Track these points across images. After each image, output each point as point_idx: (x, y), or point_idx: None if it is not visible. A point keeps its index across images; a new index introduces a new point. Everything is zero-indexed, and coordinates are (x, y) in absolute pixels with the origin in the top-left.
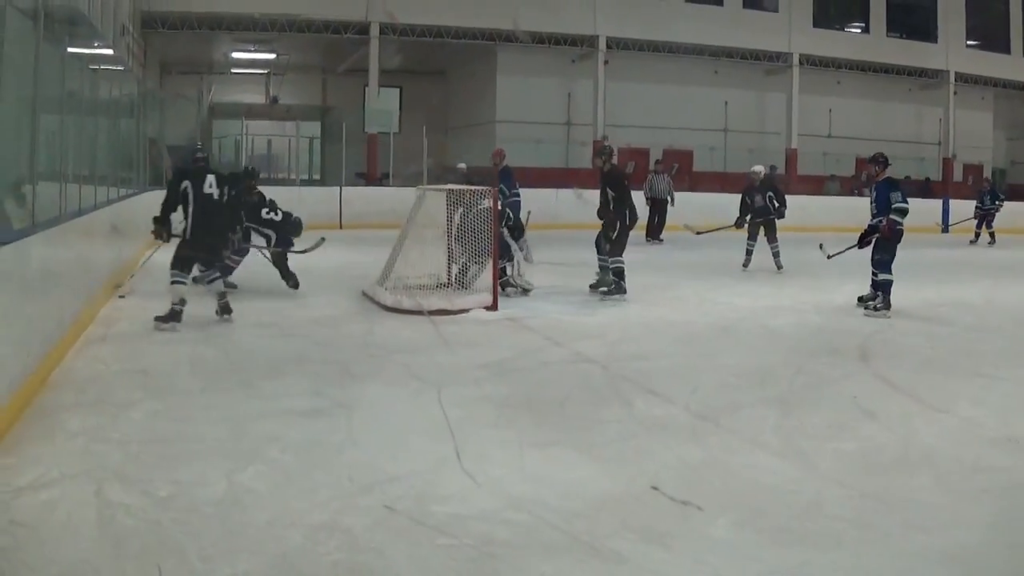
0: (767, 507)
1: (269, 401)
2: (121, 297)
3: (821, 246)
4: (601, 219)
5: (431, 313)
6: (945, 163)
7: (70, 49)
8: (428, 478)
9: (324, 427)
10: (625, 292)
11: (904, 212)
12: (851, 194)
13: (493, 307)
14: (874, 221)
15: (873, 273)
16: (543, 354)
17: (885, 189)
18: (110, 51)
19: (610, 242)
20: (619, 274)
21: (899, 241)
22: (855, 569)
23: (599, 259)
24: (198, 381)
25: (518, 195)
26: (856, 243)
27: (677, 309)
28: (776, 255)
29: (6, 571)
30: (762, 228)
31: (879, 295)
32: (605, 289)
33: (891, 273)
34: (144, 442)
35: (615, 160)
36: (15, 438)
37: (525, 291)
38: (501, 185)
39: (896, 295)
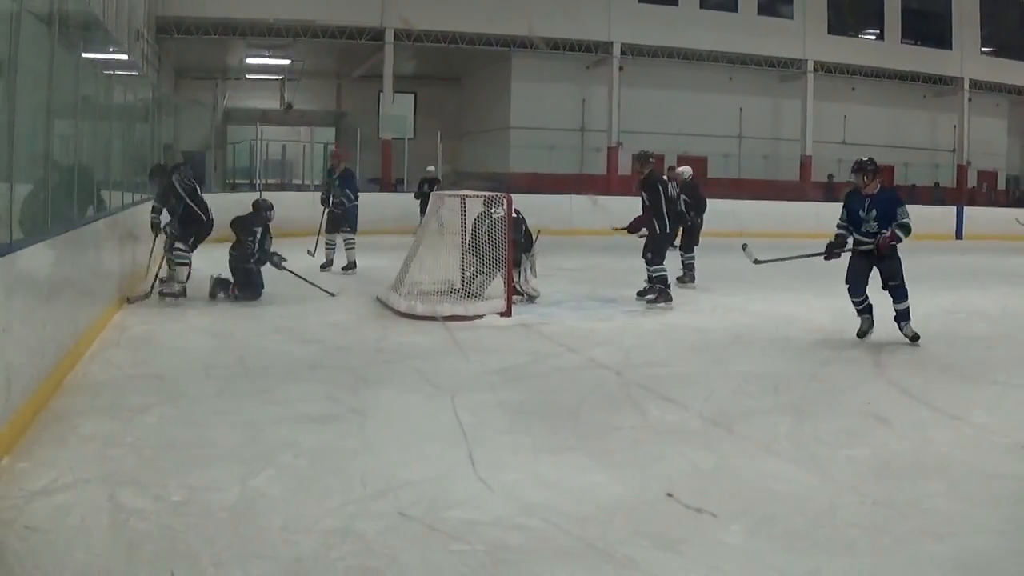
0: (780, 514)
1: (283, 406)
2: (129, 302)
3: (745, 247)
4: (634, 227)
5: (445, 319)
6: (959, 170)
7: (85, 54)
8: (441, 484)
9: (338, 432)
10: (671, 300)
11: (910, 230)
12: None
13: (507, 313)
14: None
15: (894, 299)
16: (557, 360)
17: (891, 202)
18: (125, 56)
19: (650, 250)
20: (662, 281)
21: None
22: (868, 575)
23: (650, 270)
24: (212, 386)
25: (357, 201)
26: (823, 252)
27: (691, 315)
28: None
29: None
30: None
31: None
32: (651, 297)
33: (907, 298)
34: (158, 447)
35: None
36: (29, 442)
37: (531, 298)
38: (346, 189)
39: (912, 302)
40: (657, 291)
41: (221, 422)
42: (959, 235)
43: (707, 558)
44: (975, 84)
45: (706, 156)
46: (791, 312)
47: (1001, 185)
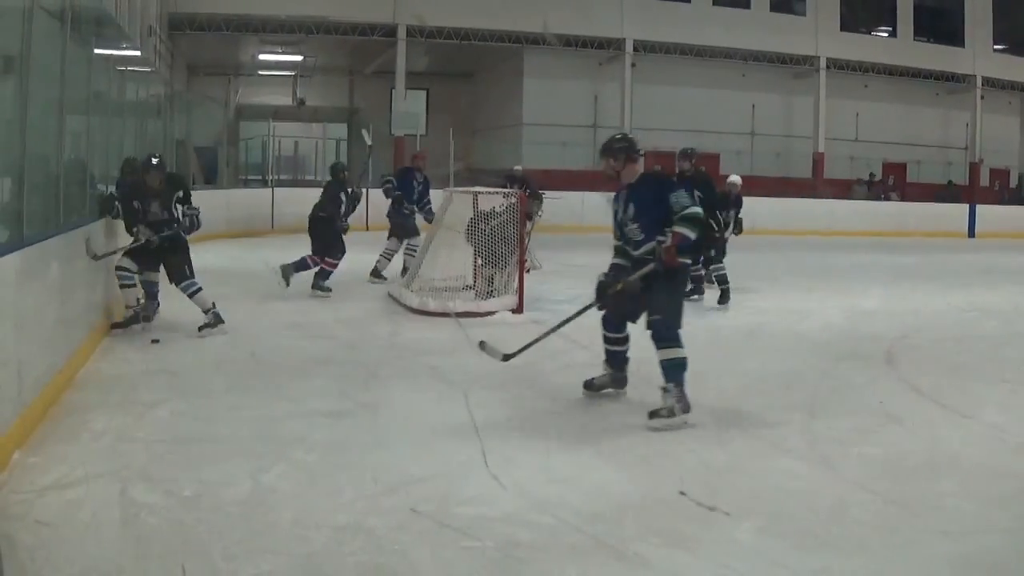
0: (792, 512)
1: (295, 402)
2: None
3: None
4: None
5: (457, 315)
6: (972, 168)
7: (97, 50)
8: (453, 480)
9: (349, 428)
10: (729, 300)
11: (697, 223)
12: (878, 198)
13: (519, 310)
14: (640, 252)
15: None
16: (569, 357)
17: (654, 189)
18: (137, 52)
19: (714, 249)
20: (725, 280)
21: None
22: (879, 574)
23: (714, 269)
24: (224, 381)
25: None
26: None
27: (703, 313)
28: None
29: (30, 570)
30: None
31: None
32: (723, 302)
33: (680, 345)
34: (169, 442)
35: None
36: (40, 437)
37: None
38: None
39: (924, 300)
40: (723, 290)
41: (233, 417)
42: (971, 233)
43: (718, 556)
44: (988, 82)
45: (719, 153)
46: (803, 310)
47: (1013, 183)
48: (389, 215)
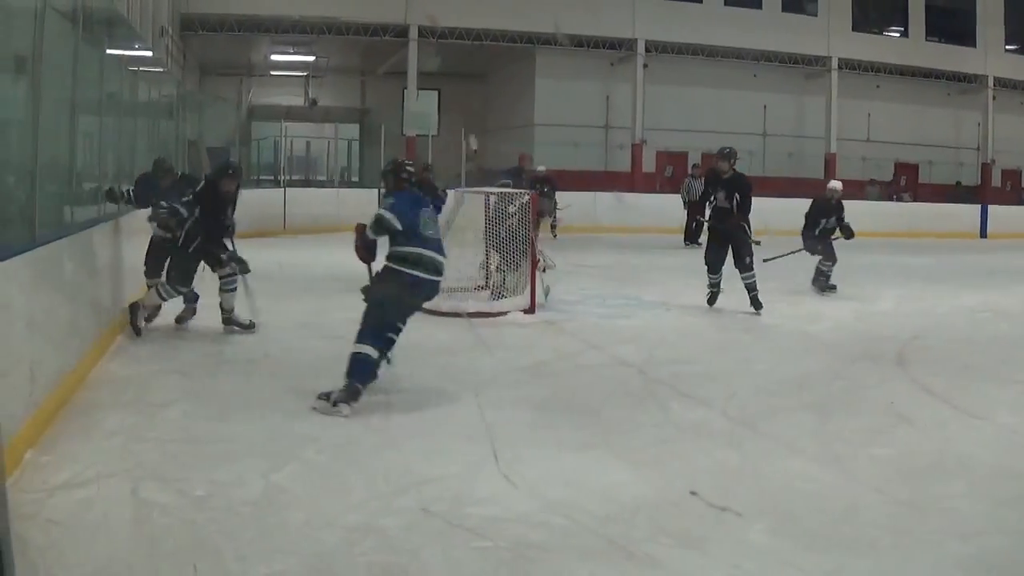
0: (803, 512)
1: (306, 402)
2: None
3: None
4: (714, 225)
5: (469, 316)
6: (983, 168)
7: (109, 51)
8: (464, 480)
9: (360, 428)
10: (762, 306)
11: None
12: (890, 198)
13: (531, 310)
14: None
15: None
16: (581, 357)
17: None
18: (149, 53)
19: (749, 255)
20: (754, 287)
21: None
22: (890, 575)
23: (745, 277)
24: (236, 381)
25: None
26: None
27: (715, 313)
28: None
29: (41, 569)
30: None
31: None
32: (755, 309)
33: (371, 345)
34: (181, 441)
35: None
36: (52, 436)
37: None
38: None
39: (936, 301)
40: (752, 297)
41: (244, 417)
42: (983, 234)
43: (730, 557)
44: (999, 82)
45: None
46: (815, 311)
47: None
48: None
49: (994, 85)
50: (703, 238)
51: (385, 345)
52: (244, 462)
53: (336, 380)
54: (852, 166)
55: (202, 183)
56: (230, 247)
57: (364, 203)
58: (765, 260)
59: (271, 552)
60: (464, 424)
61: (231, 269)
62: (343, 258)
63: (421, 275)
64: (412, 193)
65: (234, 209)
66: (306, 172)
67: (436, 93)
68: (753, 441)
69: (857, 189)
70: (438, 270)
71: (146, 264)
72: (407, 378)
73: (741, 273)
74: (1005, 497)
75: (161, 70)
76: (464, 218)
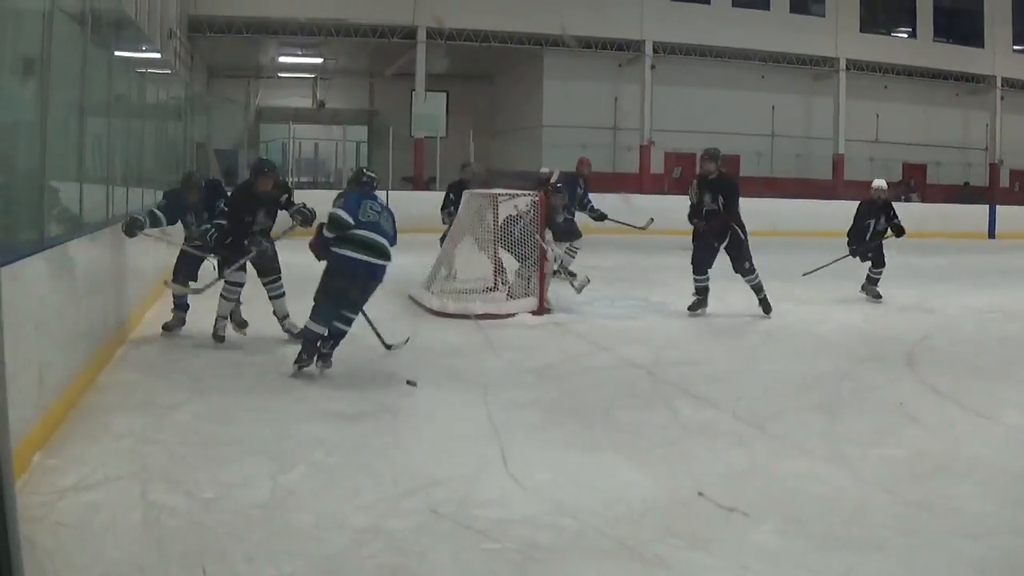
0: (812, 513)
1: (314, 403)
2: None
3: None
4: (698, 228)
5: (477, 317)
6: (992, 169)
7: (117, 53)
8: (473, 482)
9: (369, 430)
10: (771, 309)
11: (335, 223)
12: (898, 199)
13: (539, 311)
14: None
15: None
16: (589, 359)
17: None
18: (157, 55)
19: (747, 259)
20: (761, 289)
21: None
22: (899, 575)
23: (749, 280)
24: (244, 383)
25: None
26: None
27: (724, 314)
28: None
29: (50, 571)
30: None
31: None
32: (765, 309)
33: (316, 323)
34: (189, 444)
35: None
36: (61, 439)
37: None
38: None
39: (945, 301)
40: (761, 299)
41: (253, 419)
42: (991, 234)
43: (738, 558)
44: (1008, 82)
45: (739, 155)
46: (823, 311)
47: None
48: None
49: (1002, 85)
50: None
51: (327, 322)
52: (252, 464)
53: (343, 381)
54: (860, 167)
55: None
56: (270, 250)
57: None
58: (805, 274)
59: (279, 554)
60: (472, 426)
61: (273, 276)
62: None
63: (349, 253)
64: (363, 192)
65: (277, 210)
66: (314, 174)
67: (444, 95)
68: (761, 442)
69: (865, 190)
70: (371, 248)
71: (178, 272)
72: (415, 379)
73: (744, 277)
74: (1015, 497)
75: (169, 72)
76: (473, 220)
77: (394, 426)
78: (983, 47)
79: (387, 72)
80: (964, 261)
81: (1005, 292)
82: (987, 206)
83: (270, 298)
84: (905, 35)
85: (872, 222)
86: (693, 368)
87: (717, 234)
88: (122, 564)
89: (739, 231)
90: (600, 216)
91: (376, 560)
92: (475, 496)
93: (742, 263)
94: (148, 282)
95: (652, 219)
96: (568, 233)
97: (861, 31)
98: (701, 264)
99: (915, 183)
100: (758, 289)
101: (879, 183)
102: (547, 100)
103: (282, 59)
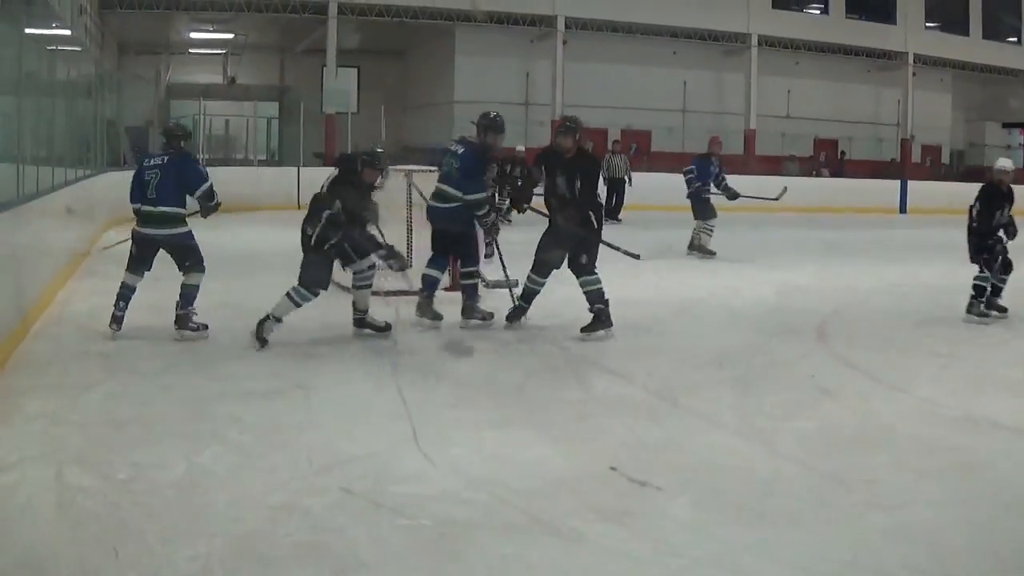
0: (726, 486)
1: (228, 382)
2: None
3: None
4: (556, 215)
5: (387, 294)
6: (903, 144)
7: (28, 30)
8: (386, 459)
9: (283, 408)
10: (611, 324)
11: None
12: (809, 174)
13: (452, 288)
14: None
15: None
16: (501, 335)
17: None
18: (68, 32)
19: (586, 254)
20: (601, 298)
21: None
22: (814, 547)
23: (585, 281)
24: (157, 363)
25: None
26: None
27: (635, 290)
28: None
29: None
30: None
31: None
32: (595, 328)
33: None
34: (103, 424)
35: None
36: None
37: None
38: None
39: (856, 275)
40: (597, 312)
41: (166, 399)
42: (903, 209)
43: (654, 531)
44: (919, 59)
45: (650, 130)
46: (735, 286)
47: (945, 159)
48: (690, 197)
49: (914, 62)
50: (623, 215)
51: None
52: (167, 444)
53: (255, 359)
54: (771, 142)
55: (335, 174)
56: (380, 239)
57: (283, 181)
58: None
59: (195, 534)
60: (385, 403)
61: (369, 264)
62: (262, 237)
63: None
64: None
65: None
66: (225, 151)
67: (356, 71)
68: (675, 416)
69: (776, 165)
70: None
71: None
72: (327, 357)
73: (578, 277)
74: (927, 468)
75: (79, 49)
76: (383, 196)
77: (307, 404)
78: (895, 24)
79: (298, 48)
80: (876, 235)
81: (916, 266)
82: (899, 181)
83: (355, 287)
84: (817, 11)
85: (998, 213)
86: (606, 343)
87: (577, 226)
88: (38, 546)
89: (594, 219)
90: (734, 195)
91: (292, 538)
92: (389, 473)
93: (579, 259)
94: (60, 261)
95: (786, 188)
96: (704, 212)
97: (773, 7)
98: (542, 265)
99: (827, 158)
100: (595, 297)
101: (1005, 163)
102: (459, 76)
103: (193, 35)
